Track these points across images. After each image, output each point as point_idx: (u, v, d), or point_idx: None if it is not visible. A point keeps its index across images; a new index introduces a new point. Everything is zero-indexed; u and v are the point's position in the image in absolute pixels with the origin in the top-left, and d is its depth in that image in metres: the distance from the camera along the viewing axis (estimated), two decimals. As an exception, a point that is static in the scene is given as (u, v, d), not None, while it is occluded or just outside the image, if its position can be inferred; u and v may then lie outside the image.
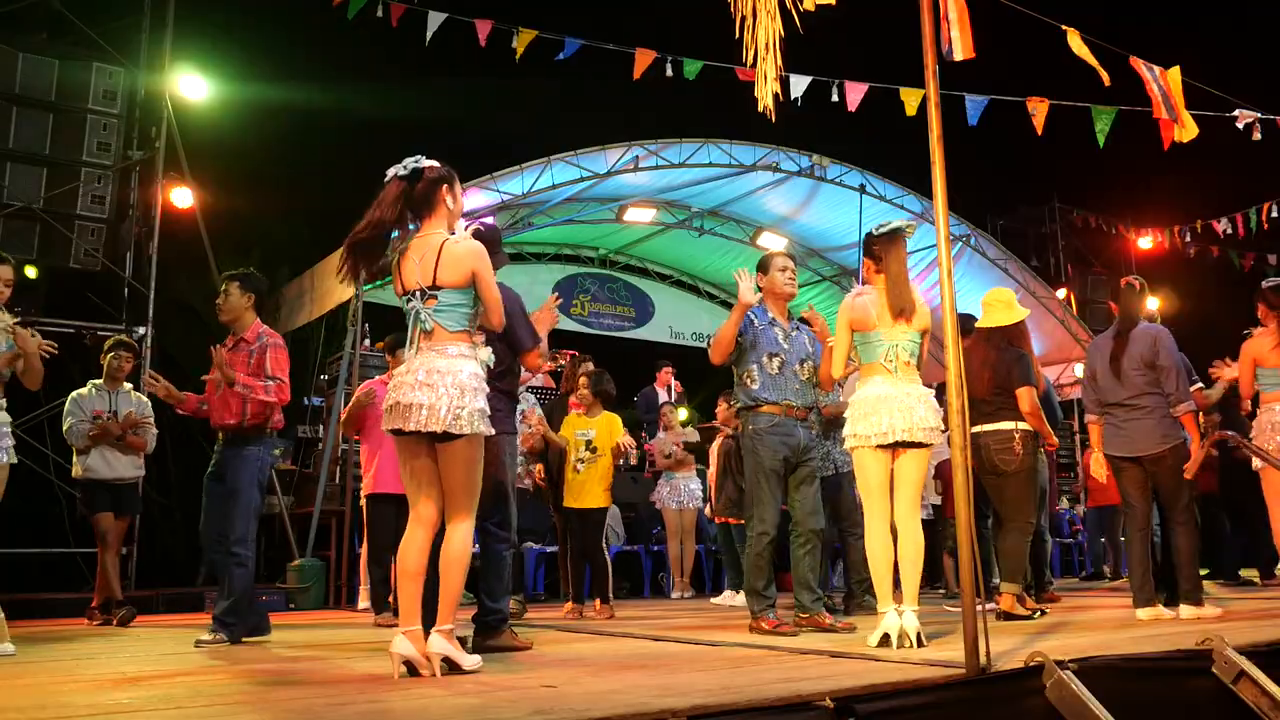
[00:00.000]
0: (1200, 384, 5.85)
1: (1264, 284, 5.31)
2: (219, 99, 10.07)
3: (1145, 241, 15.53)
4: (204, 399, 4.99)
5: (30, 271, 8.60)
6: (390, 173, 3.41)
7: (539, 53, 8.29)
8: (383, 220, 3.34)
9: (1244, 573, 8.07)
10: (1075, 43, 5.36)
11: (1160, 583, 5.30)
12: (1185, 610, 4.82)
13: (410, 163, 3.39)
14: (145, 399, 6.64)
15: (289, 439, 10.45)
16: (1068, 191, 17.23)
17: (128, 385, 6.61)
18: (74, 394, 6.42)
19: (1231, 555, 8.02)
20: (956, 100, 7.78)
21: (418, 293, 3.31)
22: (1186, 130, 5.70)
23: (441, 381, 3.20)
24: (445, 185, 3.43)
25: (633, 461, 7.74)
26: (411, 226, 3.42)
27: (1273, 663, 3.15)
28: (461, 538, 3.28)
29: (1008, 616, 5.09)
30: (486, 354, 3.38)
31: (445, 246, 3.33)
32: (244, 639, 4.70)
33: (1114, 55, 5.63)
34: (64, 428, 6.37)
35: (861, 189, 11.62)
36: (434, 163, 3.43)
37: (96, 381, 6.49)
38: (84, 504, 6.43)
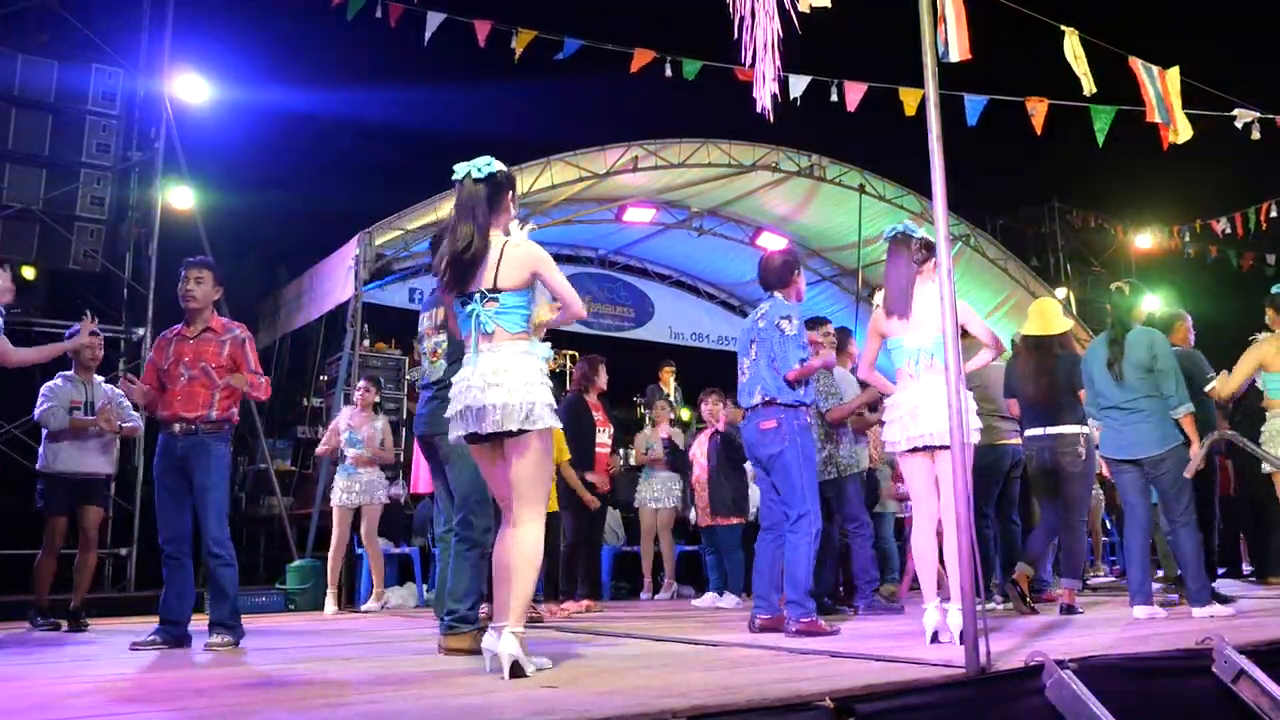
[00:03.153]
0: (1212, 375, 5.85)
1: (1274, 289, 5.40)
2: (218, 100, 10.06)
3: (1144, 241, 15.53)
4: (148, 388, 4.75)
5: (28, 272, 8.59)
6: (461, 172, 3.40)
7: (538, 53, 8.29)
8: (484, 224, 3.34)
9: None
10: (1069, 45, 5.36)
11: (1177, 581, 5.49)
12: (1196, 610, 4.83)
13: (484, 165, 3.40)
14: (116, 388, 6.48)
15: (289, 440, 10.45)
16: (1067, 191, 17.26)
17: (99, 378, 6.41)
18: (46, 386, 6.16)
19: (1261, 555, 8.03)
20: (956, 100, 7.77)
21: (477, 295, 3.32)
22: (1180, 132, 5.72)
23: (509, 380, 3.21)
24: (511, 190, 3.47)
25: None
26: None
27: (1272, 662, 3.15)
28: (530, 537, 3.27)
29: (1070, 610, 5.22)
30: (545, 349, 3.38)
31: (505, 250, 3.33)
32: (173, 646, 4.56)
33: (1113, 55, 5.64)
34: (39, 410, 6.05)
35: (861, 189, 11.62)
36: (502, 166, 3.45)
37: (67, 373, 6.22)
38: (42, 499, 6.11)
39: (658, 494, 8.39)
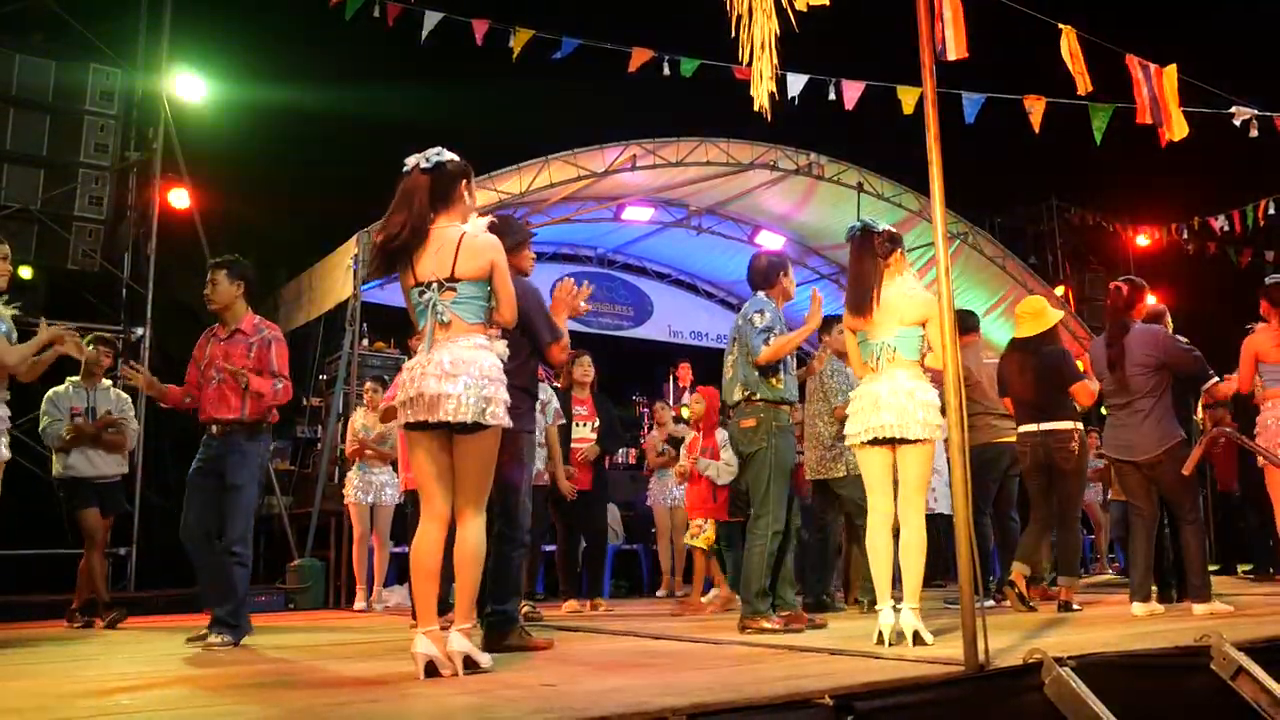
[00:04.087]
0: (1217, 378, 5.80)
1: (1267, 280, 5.35)
2: (216, 99, 10.05)
3: (1143, 239, 15.54)
4: (188, 392, 4.87)
5: (25, 272, 8.56)
6: (410, 163, 3.38)
7: (536, 52, 8.28)
8: (418, 215, 3.30)
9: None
10: (1065, 44, 5.37)
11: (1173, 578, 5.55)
12: (1196, 608, 4.82)
13: (433, 155, 3.38)
14: (125, 395, 6.52)
15: (288, 439, 10.45)
16: (1065, 189, 17.20)
17: (106, 381, 6.42)
18: (51, 392, 6.22)
19: (1262, 551, 8.05)
20: (954, 98, 7.78)
21: (434, 284, 3.28)
22: (1176, 130, 5.72)
23: (466, 371, 3.18)
24: (464, 179, 3.44)
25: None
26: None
27: (1271, 659, 3.15)
28: (475, 534, 3.26)
29: (1067, 607, 5.22)
30: (501, 347, 3.37)
31: (464, 239, 3.32)
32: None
33: (1110, 53, 5.64)
34: (40, 426, 6.19)
35: (859, 187, 11.62)
36: (454, 156, 3.43)
37: (74, 378, 6.29)
38: (68, 501, 6.21)
39: (673, 492, 8.39)
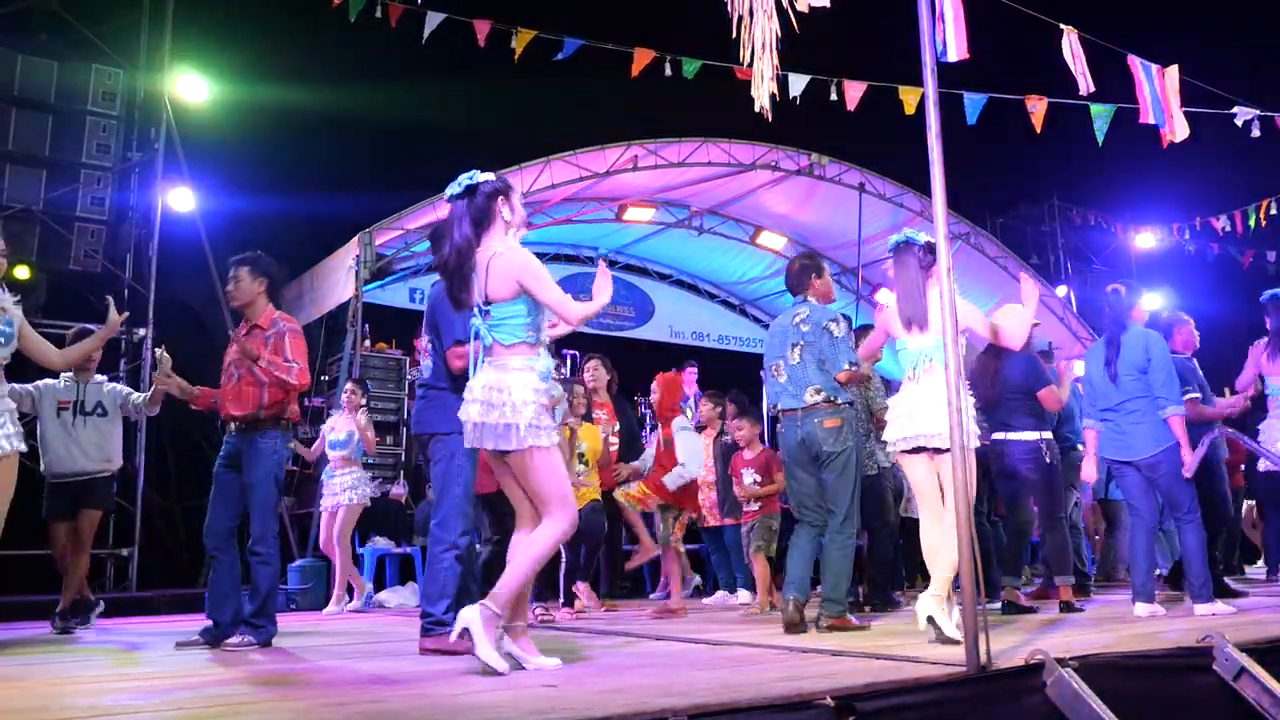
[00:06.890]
0: (1196, 394, 5.77)
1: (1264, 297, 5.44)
2: (218, 100, 10.05)
3: (1144, 239, 15.53)
4: (218, 394, 4.87)
5: (22, 271, 8.54)
6: (448, 191, 3.50)
7: (538, 53, 8.29)
8: (462, 240, 3.43)
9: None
10: (1067, 44, 5.37)
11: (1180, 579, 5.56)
12: (1198, 608, 4.81)
13: (464, 179, 3.47)
14: (120, 388, 6.42)
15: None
16: (1067, 189, 17.21)
17: (100, 377, 6.34)
18: (43, 382, 6.10)
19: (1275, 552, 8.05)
20: (955, 99, 7.77)
21: (477, 308, 3.42)
22: (1177, 131, 5.72)
23: (498, 399, 3.29)
24: (501, 197, 3.48)
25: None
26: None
27: (1273, 659, 3.15)
28: (545, 532, 3.34)
29: (1069, 608, 5.23)
30: (544, 364, 3.41)
31: (492, 262, 3.38)
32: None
33: (1112, 53, 5.64)
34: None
35: (861, 187, 11.62)
36: (489, 176, 3.50)
37: (69, 374, 6.13)
38: (45, 504, 6.03)
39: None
